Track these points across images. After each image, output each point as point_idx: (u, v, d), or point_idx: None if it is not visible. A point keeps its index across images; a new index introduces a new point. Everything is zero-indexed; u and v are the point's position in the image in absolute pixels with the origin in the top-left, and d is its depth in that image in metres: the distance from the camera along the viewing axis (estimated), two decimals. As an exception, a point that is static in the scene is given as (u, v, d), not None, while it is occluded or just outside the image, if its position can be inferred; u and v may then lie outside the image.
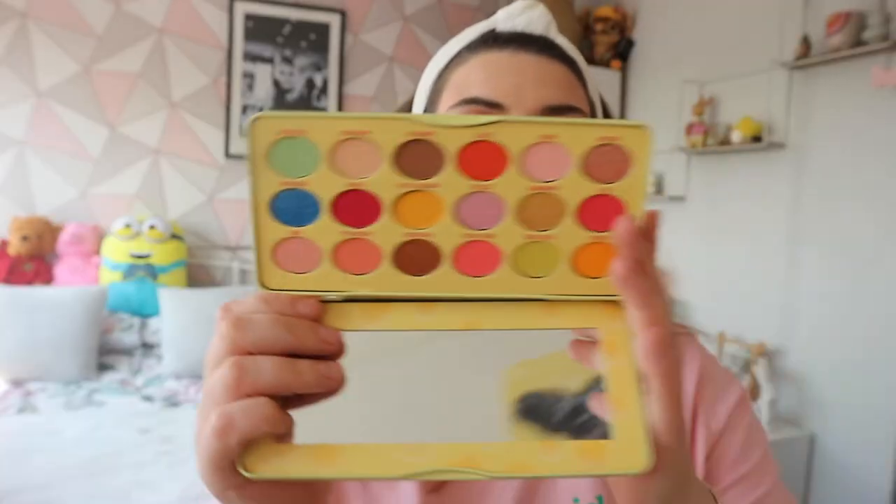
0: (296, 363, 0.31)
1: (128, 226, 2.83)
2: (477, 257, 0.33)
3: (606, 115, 0.60)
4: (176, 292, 2.76)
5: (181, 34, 3.06)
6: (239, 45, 3.14)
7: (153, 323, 2.75)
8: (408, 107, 0.61)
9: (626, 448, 0.30)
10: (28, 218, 2.77)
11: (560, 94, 0.50)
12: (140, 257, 2.82)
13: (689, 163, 2.76)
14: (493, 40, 0.54)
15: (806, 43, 2.21)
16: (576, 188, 0.32)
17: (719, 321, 2.58)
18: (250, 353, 0.31)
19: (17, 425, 2.06)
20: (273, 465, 0.30)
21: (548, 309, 0.34)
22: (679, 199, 2.80)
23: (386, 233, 0.32)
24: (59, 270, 2.82)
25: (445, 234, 0.32)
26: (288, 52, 3.23)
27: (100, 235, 2.91)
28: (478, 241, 0.33)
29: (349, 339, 0.33)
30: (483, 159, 0.32)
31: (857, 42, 2.05)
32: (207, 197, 3.15)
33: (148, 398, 2.36)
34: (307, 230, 0.32)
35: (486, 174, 0.32)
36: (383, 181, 0.32)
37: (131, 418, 2.14)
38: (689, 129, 2.65)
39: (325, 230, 0.32)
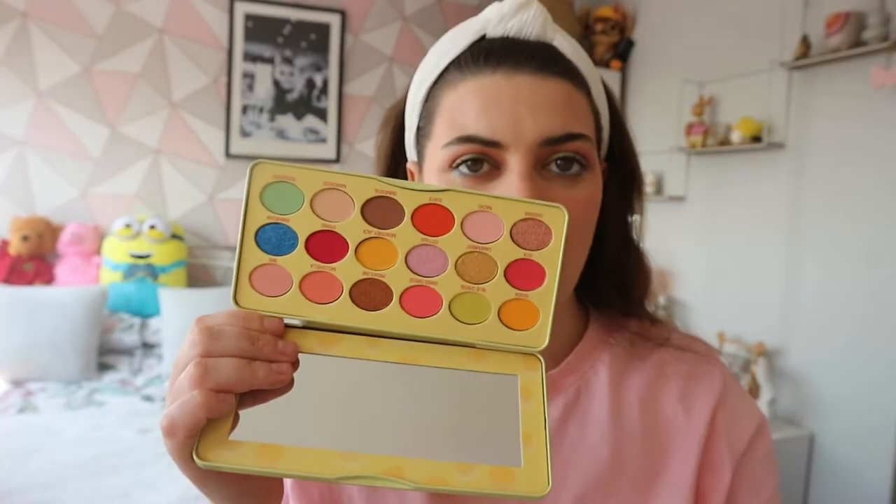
0: (251, 363, 0.36)
1: (128, 226, 2.83)
2: (421, 300, 0.40)
3: (613, 113, 0.56)
4: (176, 292, 2.77)
5: (181, 34, 3.06)
6: (239, 45, 3.14)
7: (153, 323, 2.75)
8: (401, 105, 0.58)
9: (531, 476, 0.35)
10: (28, 218, 2.78)
11: (559, 120, 0.47)
12: (140, 257, 2.82)
13: (689, 163, 2.76)
14: (484, 57, 0.49)
15: (806, 43, 2.21)
16: (505, 251, 0.40)
17: (719, 321, 2.58)
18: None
19: (17, 425, 2.06)
20: (223, 457, 0.34)
21: (475, 354, 0.40)
22: (679, 199, 2.80)
23: (348, 270, 0.39)
24: (60, 270, 2.82)
25: (396, 277, 0.39)
26: (288, 52, 3.23)
27: (100, 235, 2.91)
28: (423, 286, 0.39)
29: (304, 359, 0.38)
30: (433, 219, 0.39)
31: (857, 42, 2.05)
32: (207, 197, 3.15)
33: (148, 398, 2.36)
34: (283, 259, 0.39)
35: (434, 231, 0.39)
36: (352, 226, 0.39)
37: (131, 418, 2.14)
38: (689, 129, 2.65)
39: (298, 261, 0.39)
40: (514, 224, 0.40)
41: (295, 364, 0.38)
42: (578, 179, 0.48)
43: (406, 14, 3.43)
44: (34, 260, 2.78)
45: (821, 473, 2.23)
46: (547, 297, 0.40)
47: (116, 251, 2.82)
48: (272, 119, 3.22)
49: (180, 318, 2.65)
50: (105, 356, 2.63)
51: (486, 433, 0.38)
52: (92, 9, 2.91)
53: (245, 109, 3.17)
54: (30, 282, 2.76)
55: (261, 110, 3.20)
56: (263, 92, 3.20)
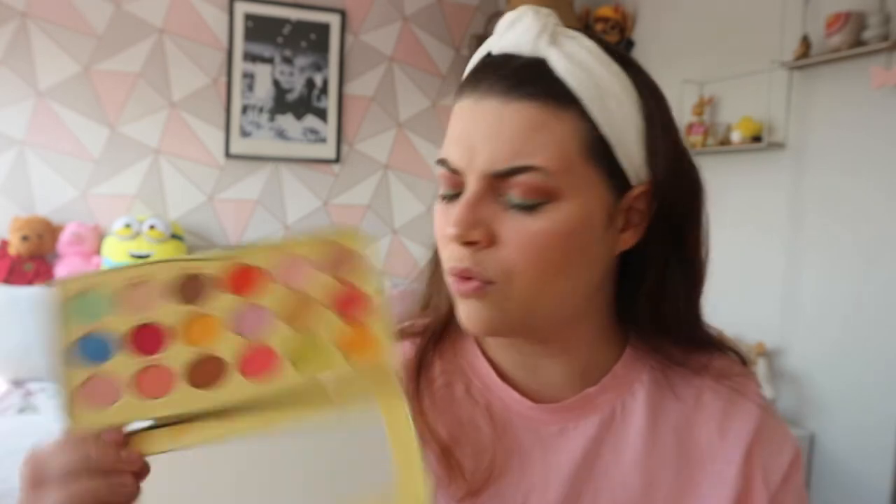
0: (90, 488, 0.35)
1: (128, 226, 2.83)
2: (260, 362, 0.39)
3: (653, 128, 0.52)
4: (176, 292, 2.76)
5: (181, 34, 3.06)
6: (239, 45, 3.14)
7: (153, 323, 2.75)
8: None
9: (409, 497, 0.37)
10: (28, 218, 2.77)
11: (507, 153, 0.46)
12: (140, 257, 2.82)
13: (689, 163, 2.76)
14: (472, 79, 0.50)
15: (806, 43, 2.21)
16: (324, 287, 0.40)
17: (719, 321, 2.57)
18: None
19: (17, 425, 2.06)
20: None
21: (327, 395, 0.40)
22: (679, 199, 2.79)
23: (177, 356, 0.38)
24: (60, 270, 2.81)
25: (228, 347, 0.39)
26: (288, 52, 3.23)
27: (100, 235, 2.91)
28: (257, 348, 0.39)
29: (158, 460, 0.38)
30: (246, 279, 0.39)
31: (857, 42, 2.04)
32: (207, 197, 3.15)
33: (148, 398, 2.35)
34: (106, 367, 0.38)
35: (251, 291, 0.39)
36: (168, 313, 0.38)
37: (131, 418, 2.14)
38: (689, 129, 2.65)
39: (122, 364, 0.38)
40: (322, 259, 0.40)
41: (144, 470, 0.37)
42: (535, 211, 0.47)
43: (406, 14, 3.42)
44: (34, 260, 2.78)
45: (821, 473, 2.23)
46: (378, 317, 0.40)
47: (116, 251, 2.82)
48: (272, 119, 3.22)
49: (180, 318, 2.65)
50: (105, 356, 2.63)
51: (358, 470, 0.38)
52: (92, 9, 2.91)
53: (245, 109, 3.17)
54: (30, 282, 2.76)
55: (261, 110, 3.20)
56: (263, 92, 3.20)
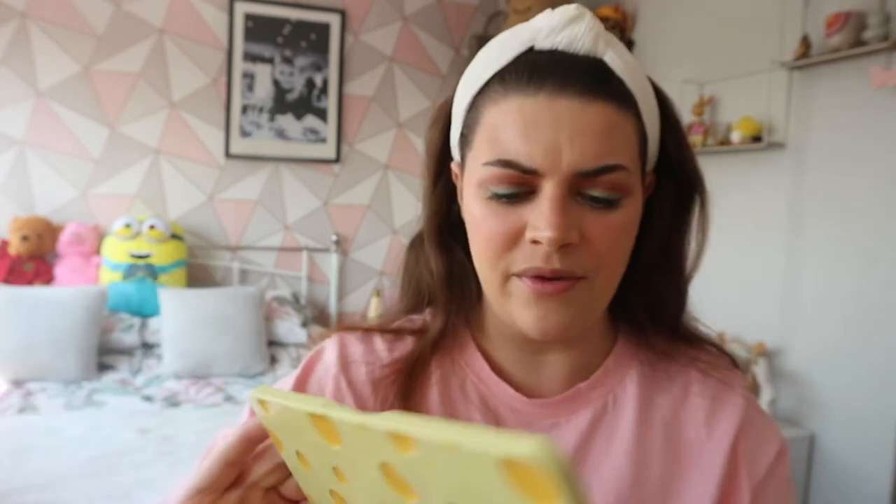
0: None
1: (128, 226, 2.83)
2: None
3: (670, 123, 0.54)
4: (176, 292, 2.76)
5: (181, 34, 3.06)
6: (239, 45, 3.14)
7: (153, 323, 2.75)
8: (450, 104, 0.56)
9: None
10: (28, 218, 2.77)
11: (594, 151, 0.46)
12: (140, 257, 2.82)
13: (689, 163, 2.76)
14: (528, 74, 0.47)
15: (806, 43, 2.21)
16: None
17: (719, 321, 2.57)
18: None
19: (17, 425, 2.06)
20: None
21: None
22: (679, 199, 2.79)
23: None
24: (60, 270, 2.82)
25: None
26: (288, 52, 3.23)
27: (100, 235, 2.91)
28: None
29: None
30: None
31: (857, 42, 2.04)
32: (207, 197, 3.15)
33: (148, 398, 2.36)
34: None
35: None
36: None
37: (131, 418, 2.14)
38: (689, 129, 2.65)
39: None
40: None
41: None
42: (616, 206, 0.48)
43: (406, 14, 3.43)
44: (34, 260, 2.78)
45: (821, 473, 2.23)
46: None
47: (116, 251, 2.81)
48: (272, 119, 3.22)
49: (180, 318, 2.65)
50: (105, 356, 2.63)
51: None
52: (92, 9, 2.91)
53: (245, 109, 3.17)
54: (30, 282, 2.76)
55: (261, 110, 3.20)
56: (263, 92, 3.20)
